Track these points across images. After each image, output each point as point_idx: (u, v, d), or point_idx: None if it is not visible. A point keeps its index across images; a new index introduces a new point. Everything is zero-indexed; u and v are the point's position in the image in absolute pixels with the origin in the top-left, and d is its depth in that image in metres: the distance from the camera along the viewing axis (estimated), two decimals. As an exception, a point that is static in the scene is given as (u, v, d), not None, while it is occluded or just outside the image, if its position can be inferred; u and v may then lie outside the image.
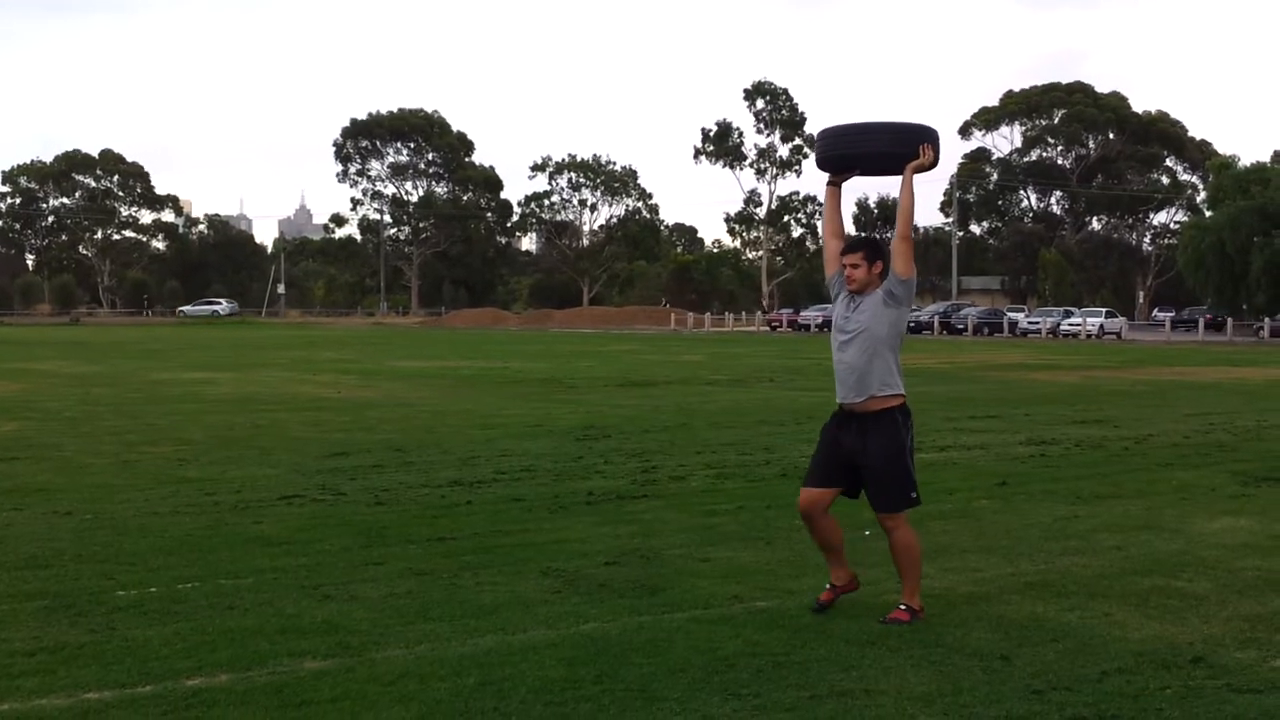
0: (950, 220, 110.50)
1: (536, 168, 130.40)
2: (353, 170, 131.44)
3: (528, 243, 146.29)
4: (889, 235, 8.00)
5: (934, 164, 7.24)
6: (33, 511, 10.44)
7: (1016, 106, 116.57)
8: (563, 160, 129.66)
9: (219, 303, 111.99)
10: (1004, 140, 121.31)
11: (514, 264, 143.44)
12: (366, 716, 5.35)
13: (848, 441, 7.02)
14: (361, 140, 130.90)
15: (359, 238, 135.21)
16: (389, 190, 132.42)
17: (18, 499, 11.10)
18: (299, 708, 5.46)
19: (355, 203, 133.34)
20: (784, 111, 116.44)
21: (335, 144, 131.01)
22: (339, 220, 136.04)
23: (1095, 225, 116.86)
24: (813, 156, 7.41)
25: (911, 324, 77.44)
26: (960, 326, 76.28)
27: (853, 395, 7.03)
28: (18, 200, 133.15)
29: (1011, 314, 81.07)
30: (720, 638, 6.58)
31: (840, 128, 7.46)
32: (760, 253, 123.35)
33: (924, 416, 19.41)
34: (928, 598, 7.46)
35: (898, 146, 7.18)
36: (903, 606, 6.95)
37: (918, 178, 7.24)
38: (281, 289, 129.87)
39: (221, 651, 6.29)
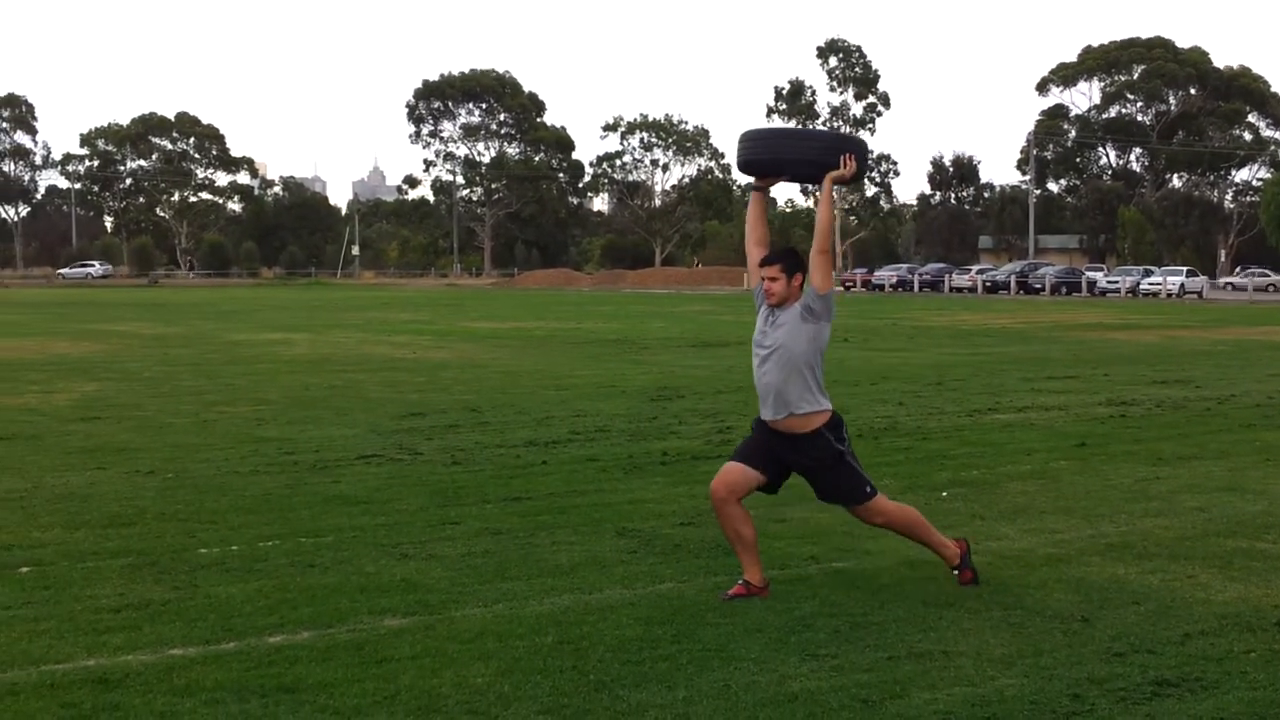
0: (1027, 178, 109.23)
1: (608, 128, 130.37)
2: (425, 131, 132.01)
3: (599, 203, 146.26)
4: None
5: (855, 177, 6.98)
6: (115, 471, 10.61)
7: (1095, 62, 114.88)
8: (634, 120, 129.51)
9: (93, 264, 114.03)
10: (1082, 96, 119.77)
11: (586, 225, 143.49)
12: (446, 674, 5.39)
13: (779, 449, 6.71)
14: (433, 101, 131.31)
15: (432, 199, 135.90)
16: (461, 151, 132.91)
17: (101, 458, 11.28)
18: (380, 664, 5.51)
19: (428, 164, 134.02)
20: (857, 69, 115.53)
21: (408, 105, 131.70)
22: (412, 182, 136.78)
23: (1176, 183, 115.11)
24: (749, 153, 7.08)
25: (988, 284, 76.73)
26: (1037, 286, 75.42)
27: (771, 413, 6.66)
28: (95, 163, 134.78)
29: (1090, 273, 79.97)
30: (797, 598, 6.57)
31: (767, 130, 7.30)
32: (834, 212, 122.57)
33: (1002, 377, 19.27)
34: (1006, 559, 7.42)
35: (824, 155, 6.94)
36: (955, 571, 6.85)
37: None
38: (356, 250, 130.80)
39: (303, 609, 6.37)
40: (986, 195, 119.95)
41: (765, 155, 7.07)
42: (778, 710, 4.97)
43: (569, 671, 5.42)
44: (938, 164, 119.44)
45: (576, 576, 7.01)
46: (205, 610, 6.35)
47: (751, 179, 7.23)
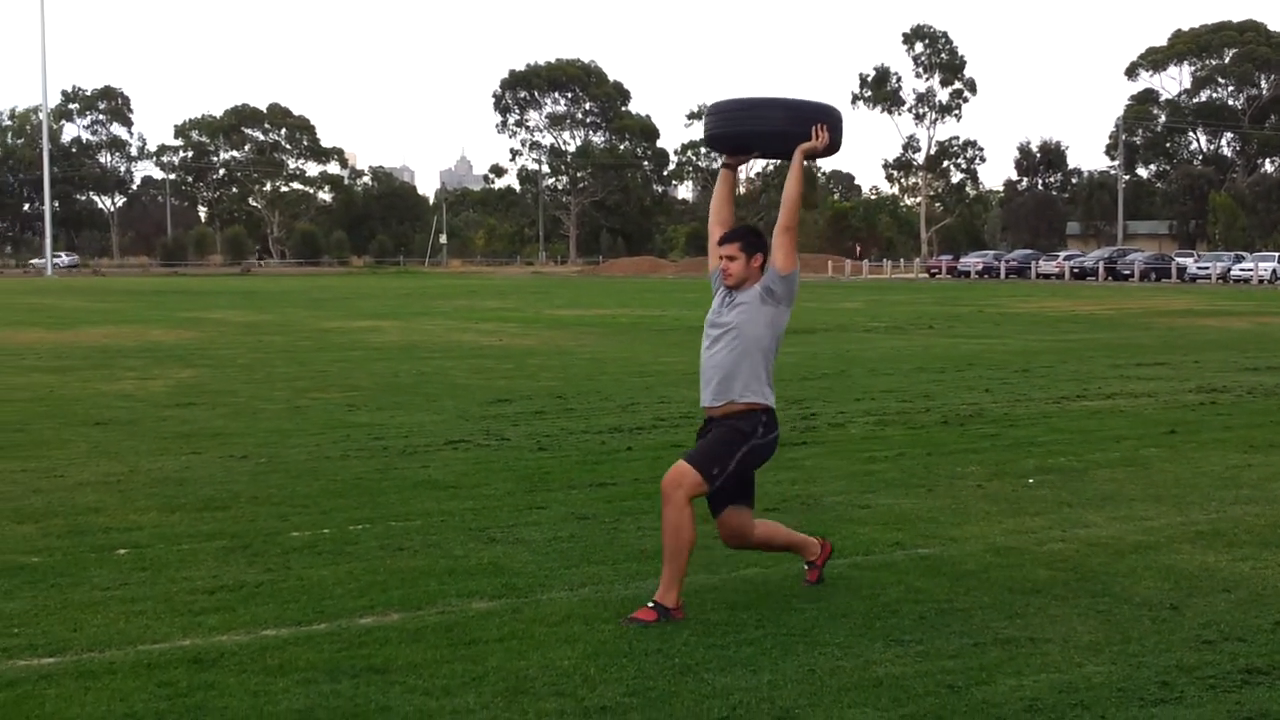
0: (1116, 164, 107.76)
1: (693, 115, 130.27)
2: (511, 121, 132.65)
3: (684, 191, 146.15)
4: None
5: (829, 149, 6.47)
6: (210, 455, 10.80)
7: (1185, 46, 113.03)
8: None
9: (60, 256, 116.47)
10: (1172, 81, 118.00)
11: (670, 212, 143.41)
12: (534, 656, 5.46)
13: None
14: (520, 91, 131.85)
15: (518, 188, 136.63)
16: (547, 140, 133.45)
17: (196, 443, 11.48)
18: (468, 646, 5.59)
19: (514, 153, 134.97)
20: (943, 55, 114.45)
21: (494, 95, 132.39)
22: (498, 171, 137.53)
23: (1268, 167, 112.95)
24: (711, 128, 6.68)
25: (1076, 270, 75.74)
26: (1126, 272, 74.37)
27: (711, 398, 6.24)
28: (190, 153, 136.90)
29: (1180, 259, 78.67)
30: (882, 584, 6.57)
31: (730, 103, 6.72)
32: (919, 199, 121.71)
33: (1090, 364, 19.06)
34: (1094, 546, 7.36)
35: (791, 126, 6.45)
36: (651, 604, 6.02)
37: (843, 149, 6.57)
38: (443, 239, 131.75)
39: (393, 591, 6.46)
40: (1074, 181, 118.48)
41: (726, 129, 6.63)
42: (862, 695, 4.98)
43: (654, 655, 5.47)
44: (1025, 150, 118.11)
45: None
46: (298, 592, 6.47)
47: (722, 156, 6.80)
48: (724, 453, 6.14)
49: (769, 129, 6.53)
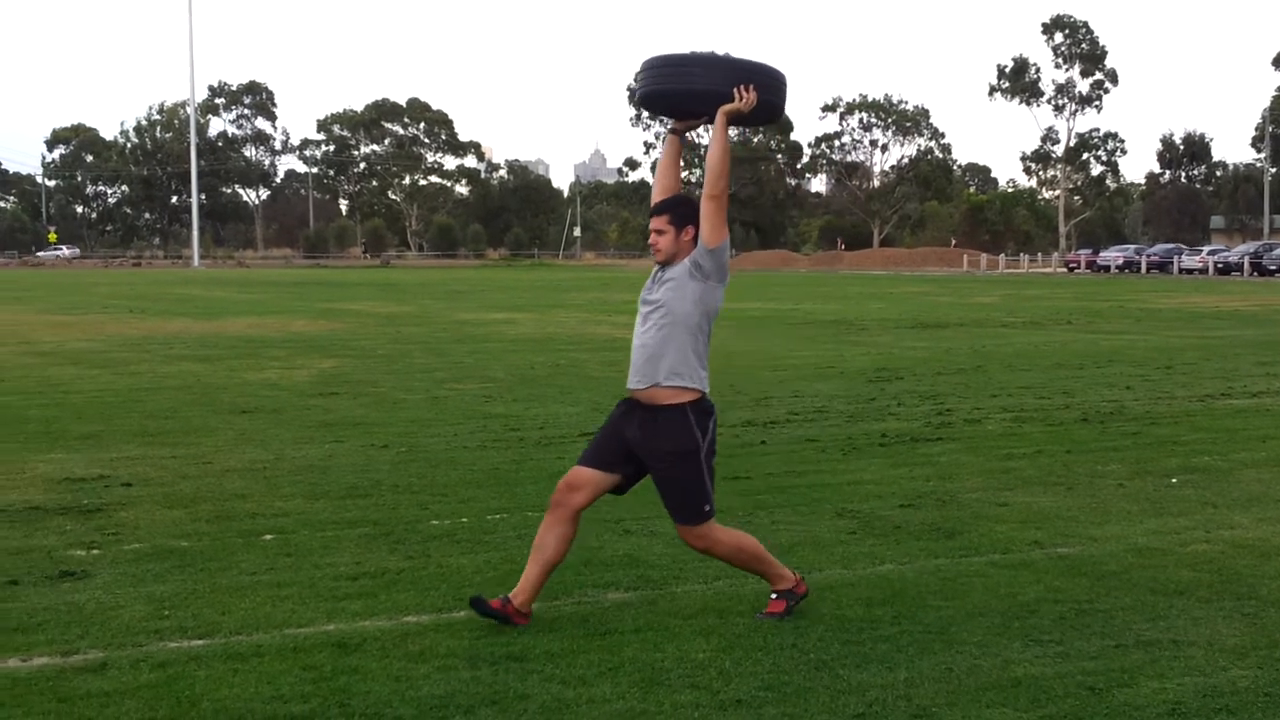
0: (1262, 156, 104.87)
1: (827, 108, 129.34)
2: (645, 114, 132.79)
3: (818, 184, 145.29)
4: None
5: (760, 113, 6.01)
6: (352, 444, 11.01)
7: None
8: (853, 100, 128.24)
9: (60, 249, 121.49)
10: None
11: (804, 206, 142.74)
12: (669, 648, 5.49)
13: (630, 432, 5.87)
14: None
15: (651, 181, 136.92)
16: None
17: (339, 432, 11.71)
18: (604, 637, 5.64)
19: (647, 146, 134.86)
20: (1084, 45, 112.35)
21: (628, 88, 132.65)
22: (632, 164, 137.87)
23: None
24: (639, 86, 6.12)
25: (1220, 264, 73.88)
26: (1272, 268, 72.30)
27: (636, 380, 5.85)
28: (331, 147, 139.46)
29: (1330, 254, 76.36)
30: (1020, 583, 6.49)
31: (657, 59, 6.13)
32: (1057, 192, 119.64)
33: (1235, 361, 18.62)
34: (1239, 548, 7.20)
35: (715, 85, 5.90)
36: (774, 595, 6.00)
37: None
38: (577, 232, 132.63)
39: (530, 581, 6.53)
40: (1219, 174, 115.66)
41: (650, 87, 6.10)
42: (1001, 695, 4.94)
43: (789, 650, 5.47)
44: (1167, 142, 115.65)
45: (796, 556, 7.04)
46: (437, 579, 6.58)
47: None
48: (692, 485, 5.84)
49: (692, 88, 5.98)
